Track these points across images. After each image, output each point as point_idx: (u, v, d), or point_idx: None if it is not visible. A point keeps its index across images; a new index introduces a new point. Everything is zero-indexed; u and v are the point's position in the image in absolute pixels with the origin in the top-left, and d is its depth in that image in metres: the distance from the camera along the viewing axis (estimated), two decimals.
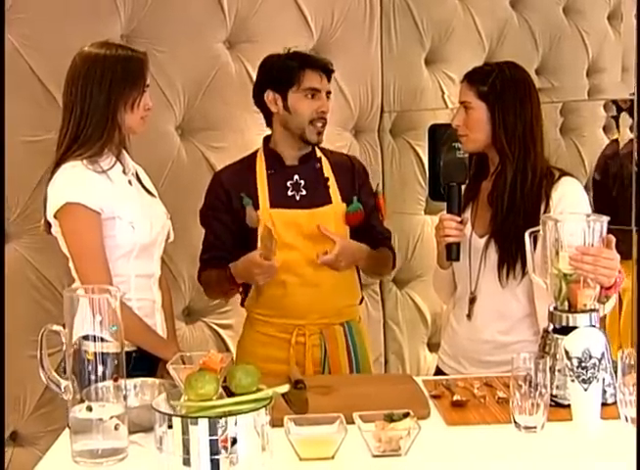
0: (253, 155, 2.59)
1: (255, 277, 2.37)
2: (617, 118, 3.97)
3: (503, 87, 2.21)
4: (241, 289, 2.57)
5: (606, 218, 1.93)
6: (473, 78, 2.26)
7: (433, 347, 3.80)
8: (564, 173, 2.25)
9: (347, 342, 2.56)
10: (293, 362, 2.46)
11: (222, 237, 2.54)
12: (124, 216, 2.15)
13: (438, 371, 2.43)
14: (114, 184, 2.18)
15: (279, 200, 2.50)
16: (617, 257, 1.94)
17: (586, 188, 2.34)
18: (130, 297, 2.17)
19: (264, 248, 2.32)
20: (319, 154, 2.60)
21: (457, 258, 2.24)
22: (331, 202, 2.54)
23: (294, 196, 2.51)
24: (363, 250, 2.53)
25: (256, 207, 2.48)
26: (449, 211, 2.24)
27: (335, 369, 2.52)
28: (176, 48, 3.03)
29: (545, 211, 2.17)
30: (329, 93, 2.53)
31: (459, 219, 2.22)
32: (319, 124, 2.49)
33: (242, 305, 2.64)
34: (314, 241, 2.48)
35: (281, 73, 2.49)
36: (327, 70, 2.53)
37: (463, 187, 2.34)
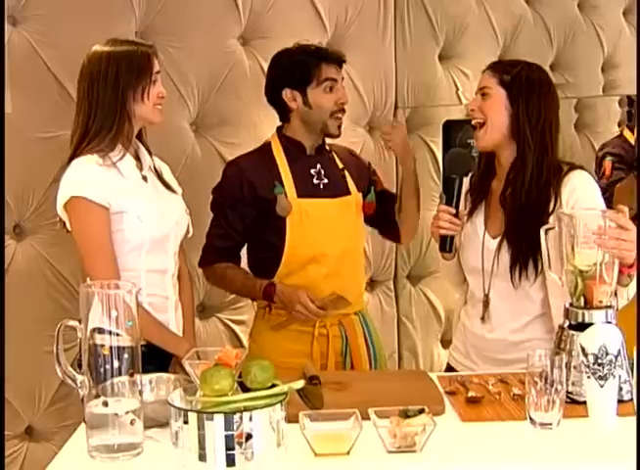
0: (267, 145, 2.58)
1: (293, 312, 2.41)
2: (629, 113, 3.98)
3: (528, 81, 2.21)
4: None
5: (625, 209, 1.92)
6: (497, 68, 2.26)
7: (446, 343, 3.80)
8: (573, 167, 2.24)
9: (364, 331, 2.60)
10: (317, 355, 2.48)
11: (236, 228, 2.52)
12: (132, 210, 2.16)
13: (450, 368, 2.42)
14: (124, 178, 2.19)
15: (305, 188, 2.51)
16: (634, 227, 1.92)
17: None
18: (141, 292, 2.17)
19: (325, 305, 2.39)
20: (327, 146, 2.63)
21: (450, 251, 2.26)
22: (350, 192, 2.57)
23: (318, 184, 2.53)
24: (412, 155, 2.61)
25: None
26: (446, 203, 2.24)
27: (356, 358, 2.55)
28: (190, 44, 3.03)
29: (554, 208, 2.17)
30: (342, 80, 2.54)
31: (453, 211, 2.22)
32: (340, 115, 2.51)
33: (254, 300, 2.65)
34: (339, 230, 2.51)
35: (297, 71, 2.48)
36: (340, 61, 2.54)
37: (475, 184, 2.36)
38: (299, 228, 2.49)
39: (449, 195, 2.24)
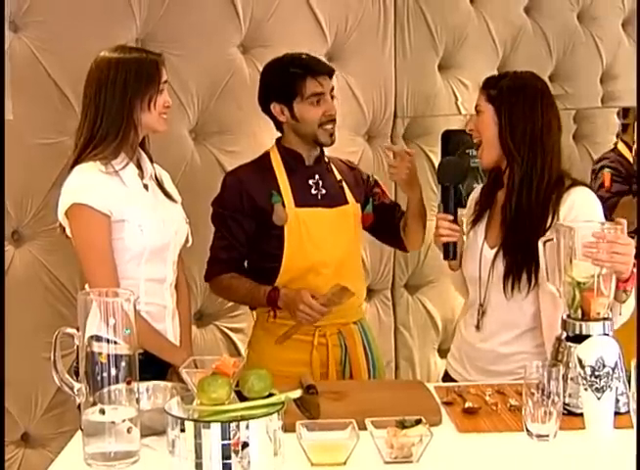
0: (266, 156, 2.59)
1: (297, 313, 2.39)
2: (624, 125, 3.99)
3: (511, 91, 2.21)
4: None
5: (623, 222, 1.93)
6: (486, 84, 2.28)
7: (443, 353, 3.79)
8: (576, 183, 2.23)
9: (363, 340, 2.60)
10: (317, 364, 2.49)
11: (239, 238, 2.53)
12: (133, 219, 2.16)
13: (446, 375, 2.43)
14: (126, 187, 2.19)
15: (303, 198, 2.52)
16: (632, 241, 1.92)
17: None
18: (139, 301, 2.17)
19: (329, 301, 2.37)
20: (326, 157, 2.63)
21: (453, 258, 2.28)
22: (347, 202, 2.59)
23: (317, 195, 2.55)
24: (419, 188, 2.54)
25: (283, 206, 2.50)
26: (444, 212, 2.27)
27: (355, 367, 2.56)
28: (191, 52, 3.03)
29: (551, 223, 2.16)
30: (332, 90, 2.53)
31: (451, 218, 2.25)
32: (329, 126, 2.51)
33: (253, 309, 2.64)
34: (337, 240, 2.52)
35: (282, 86, 2.50)
36: (328, 73, 2.53)
37: (476, 191, 2.39)
38: (297, 237, 2.49)
39: (445, 203, 2.28)
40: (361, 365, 2.58)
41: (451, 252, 2.26)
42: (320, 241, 2.50)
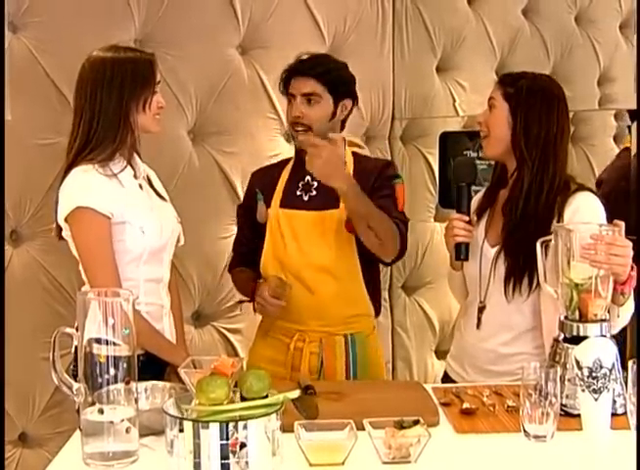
0: (290, 157, 2.63)
1: (256, 305, 2.47)
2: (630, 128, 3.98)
3: (529, 93, 2.20)
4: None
5: (621, 224, 1.93)
6: (504, 80, 2.27)
7: (440, 354, 3.80)
8: (581, 188, 2.22)
9: (347, 354, 2.49)
10: (288, 367, 2.46)
11: (245, 233, 2.64)
12: (134, 221, 2.15)
13: (446, 375, 2.43)
14: (124, 189, 2.18)
15: (288, 200, 2.52)
16: (630, 243, 1.92)
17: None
18: (139, 301, 2.16)
19: (275, 293, 2.39)
20: (347, 158, 2.55)
21: (466, 258, 2.26)
22: (338, 206, 2.45)
23: (301, 196, 2.52)
24: (353, 182, 2.32)
25: (269, 205, 2.53)
26: (458, 212, 2.26)
27: (329, 380, 2.45)
28: (189, 53, 3.04)
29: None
30: (311, 94, 2.46)
31: (467, 219, 2.24)
32: (297, 128, 2.49)
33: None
34: (316, 243, 2.48)
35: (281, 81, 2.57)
36: (303, 74, 2.49)
37: (481, 192, 2.39)
38: (273, 237, 2.50)
39: (460, 203, 2.26)
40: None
41: (463, 252, 2.25)
42: (295, 243, 2.47)
